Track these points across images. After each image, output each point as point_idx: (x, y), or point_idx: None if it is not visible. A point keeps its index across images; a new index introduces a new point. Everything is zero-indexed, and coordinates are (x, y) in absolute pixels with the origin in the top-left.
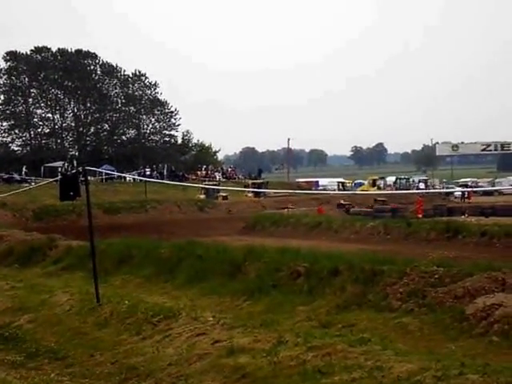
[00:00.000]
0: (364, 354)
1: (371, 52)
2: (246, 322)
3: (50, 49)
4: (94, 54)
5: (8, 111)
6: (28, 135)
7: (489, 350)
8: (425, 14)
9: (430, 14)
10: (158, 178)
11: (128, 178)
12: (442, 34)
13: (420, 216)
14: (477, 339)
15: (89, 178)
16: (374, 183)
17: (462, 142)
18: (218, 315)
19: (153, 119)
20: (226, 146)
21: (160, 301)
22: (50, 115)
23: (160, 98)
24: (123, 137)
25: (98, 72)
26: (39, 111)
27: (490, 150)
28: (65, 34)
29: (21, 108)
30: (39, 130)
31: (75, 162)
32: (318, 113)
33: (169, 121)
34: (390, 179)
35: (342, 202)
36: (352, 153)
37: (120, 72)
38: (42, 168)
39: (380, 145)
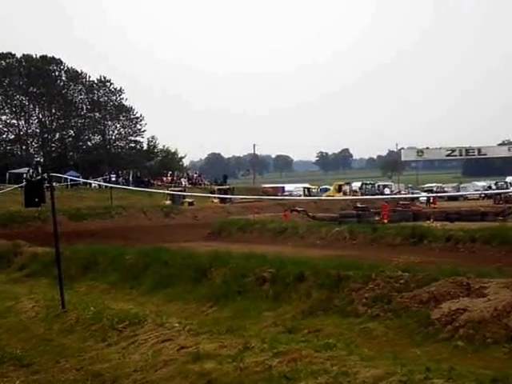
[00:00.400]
0: (330, 359)
1: (341, 64)
2: (211, 327)
3: (14, 55)
4: (59, 60)
5: None
6: None
7: (454, 355)
8: (398, 34)
9: (404, 35)
10: (123, 184)
11: (93, 185)
12: (407, 41)
13: (385, 221)
14: (442, 344)
15: (54, 184)
16: (339, 189)
17: (427, 148)
18: (183, 321)
19: (118, 125)
20: (192, 152)
21: (126, 307)
22: (14, 121)
23: (125, 103)
24: (88, 143)
25: (63, 78)
26: (4, 117)
27: (455, 156)
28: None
29: None
30: (4, 136)
31: (40, 168)
32: (284, 119)
33: (134, 127)
34: (356, 185)
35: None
36: (318, 158)
37: (85, 78)
38: (7, 174)
39: (345, 150)
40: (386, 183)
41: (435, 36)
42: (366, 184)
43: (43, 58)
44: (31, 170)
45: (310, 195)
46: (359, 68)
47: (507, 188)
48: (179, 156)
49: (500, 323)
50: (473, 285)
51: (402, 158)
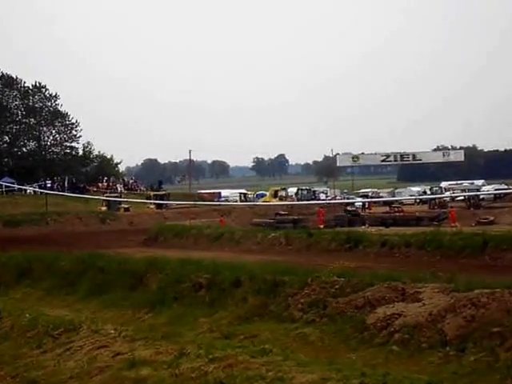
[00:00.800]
0: (265, 364)
1: (276, 69)
2: (147, 334)
3: None
4: None
5: None
6: None
7: (389, 360)
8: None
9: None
10: (58, 190)
11: (28, 191)
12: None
13: (321, 226)
14: (377, 349)
15: None
16: (275, 194)
17: (363, 153)
18: (119, 328)
19: (53, 131)
20: (128, 158)
21: (61, 314)
22: None
23: (60, 109)
24: (23, 149)
25: None
26: None
27: (390, 161)
28: None
29: None
30: None
31: None
32: (220, 124)
33: (69, 132)
34: (292, 190)
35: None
36: (254, 164)
37: (20, 84)
38: None
39: (281, 156)
40: (322, 189)
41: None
42: (301, 189)
43: None
44: None
45: (246, 201)
46: (295, 74)
47: (441, 193)
48: (115, 162)
49: (435, 328)
50: (408, 290)
51: (338, 164)
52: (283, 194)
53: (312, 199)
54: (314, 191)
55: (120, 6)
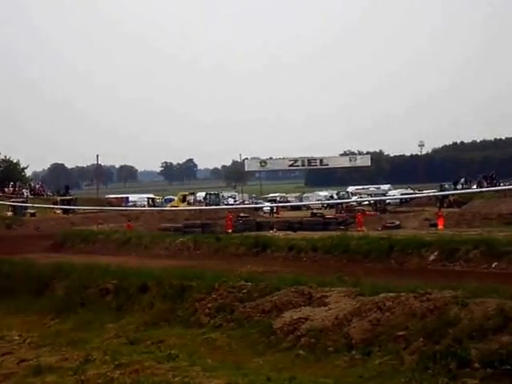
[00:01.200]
0: (172, 370)
1: (186, 70)
2: (53, 340)
3: None
4: None
5: None
6: None
7: (295, 364)
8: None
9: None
10: None
11: None
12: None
13: (229, 231)
14: (284, 353)
15: None
16: (184, 199)
17: (271, 158)
18: (24, 334)
19: None
20: (35, 163)
21: None
22: None
23: None
24: None
25: None
26: None
27: (298, 166)
28: None
29: None
30: None
31: None
32: (128, 129)
33: None
34: (200, 195)
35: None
36: (162, 168)
37: None
38: None
39: (190, 160)
40: (231, 193)
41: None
42: (210, 194)
43: None
44: None
45: (154, 205)
46: (205, 78)
47: (348, 197)
48: (22, 166)
49: (341, 332)
50: (314, 294)
51: (246, 169)
52: (191, 198)
53: (218, 204)
54: (220, 195)
55: None
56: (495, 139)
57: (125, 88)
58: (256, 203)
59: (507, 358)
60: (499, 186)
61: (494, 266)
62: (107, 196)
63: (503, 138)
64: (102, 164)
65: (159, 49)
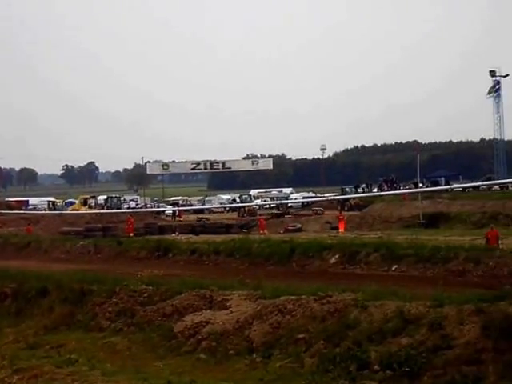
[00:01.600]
0: (71, 374)
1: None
2: None
3: None
4: None
5: None
6: None
7: (196, 367)
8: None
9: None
10: None
11: None
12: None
13: (131, 234)
14: (184, 357)
15: None
16: (85, 202)
17: (174, 161)
18: None
19: None
20: None
21: None
22: None
23: None
24: None
25: None
26: None
27: (200, 169)
28: None
29: None
30: None
31: None
32: (27, 131)
33: None
34: (102, 198)
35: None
36: (63, 171)
37: None
38: None
39: (91, 163)
40: (133, 197)
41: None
42: (111, 197)
43: None
44: None
45: (54, 209)
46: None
47: (251, 201)
48: None
49: (242, 335)
50: (216, 297)
51: (148, 172)
52: (92, 202)
53: (119, 207)
54: (122, 198)
55: None
56: (395, 143)
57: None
58: (158, 206)
59: (406, 360)
60: (399, 189)
61: (393, 268)
62: (7, 199)
63: (403, 141)
64: (2, 167)
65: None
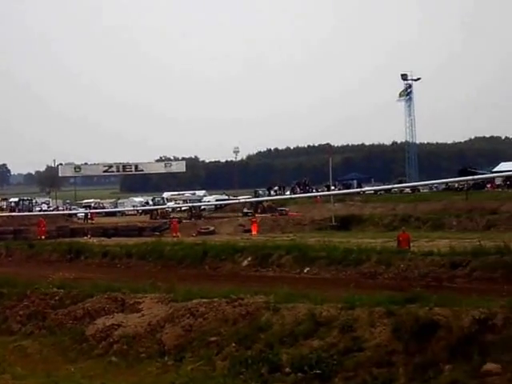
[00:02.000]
0: None
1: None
2: None
3: None
4: None
5: None
6: None
7: (107, 371)
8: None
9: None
10: None
11: None
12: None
13: (43, 237)
14: (96, 360)
15: None
16: None
17: (86, 163)
18: None
19: None
20: None
21: None
22: None
23: None
24: None
25: None
26: None
27: (113, 171)
28: None
29: None
30: None
31: None
32: None
33: None
34: (13, 200)
35: None
36: None
37: None
38: None
39: (3, 166)
40: (45, 199)
41: None
42: (23, 200)
43: None
44: None
45: None
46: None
47: (164, 203)
48: None
49: (154, 338)
50: (127, 300)
51: (60, 174)
52: (4, 204)
53: (30, 210)
54: (33, 201)
55: None
56: (308, 146)
57: None
58: (70, 209)
59: (317, 363)
60: (312, 192)
61: (306, 271)
62: None
63: (316, 144)
64: None
65: None
